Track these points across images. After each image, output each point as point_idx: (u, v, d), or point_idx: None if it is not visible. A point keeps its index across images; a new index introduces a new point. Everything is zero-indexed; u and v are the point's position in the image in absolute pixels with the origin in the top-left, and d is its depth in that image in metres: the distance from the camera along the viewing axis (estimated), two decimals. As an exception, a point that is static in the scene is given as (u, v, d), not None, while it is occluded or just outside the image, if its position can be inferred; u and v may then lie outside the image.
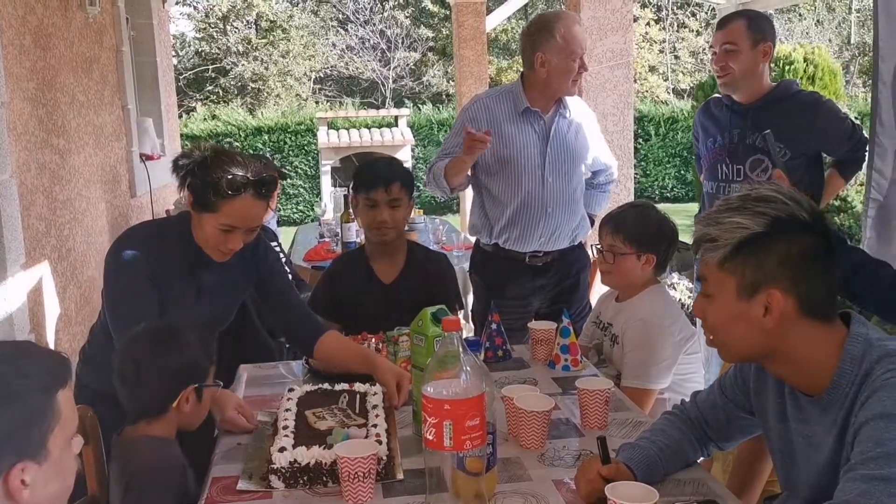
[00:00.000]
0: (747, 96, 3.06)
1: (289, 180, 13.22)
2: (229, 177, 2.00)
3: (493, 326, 2.47)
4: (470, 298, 4.27)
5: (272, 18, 20.72)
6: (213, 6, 20.53)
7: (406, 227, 5.28)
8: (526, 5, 8.10)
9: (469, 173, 3.12)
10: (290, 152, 13.51)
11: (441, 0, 19.55)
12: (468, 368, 1.44)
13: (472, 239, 3.51)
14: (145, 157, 5.31)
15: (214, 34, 20.88)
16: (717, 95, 3.23)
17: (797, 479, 1.53)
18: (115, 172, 4.79)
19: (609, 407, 1.96)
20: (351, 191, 2.89)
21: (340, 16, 21.83)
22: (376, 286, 2.75)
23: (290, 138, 13.52)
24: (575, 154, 3.14)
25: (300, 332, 2.33)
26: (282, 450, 1.69)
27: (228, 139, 13.50)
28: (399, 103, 19.79)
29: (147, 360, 1.77)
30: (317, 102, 19.71)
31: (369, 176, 2.70)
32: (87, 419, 1.93)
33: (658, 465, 1.65)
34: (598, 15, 3.58)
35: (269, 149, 13.54)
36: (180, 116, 16.90)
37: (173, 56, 21.89)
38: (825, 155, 3.15)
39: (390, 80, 21.17)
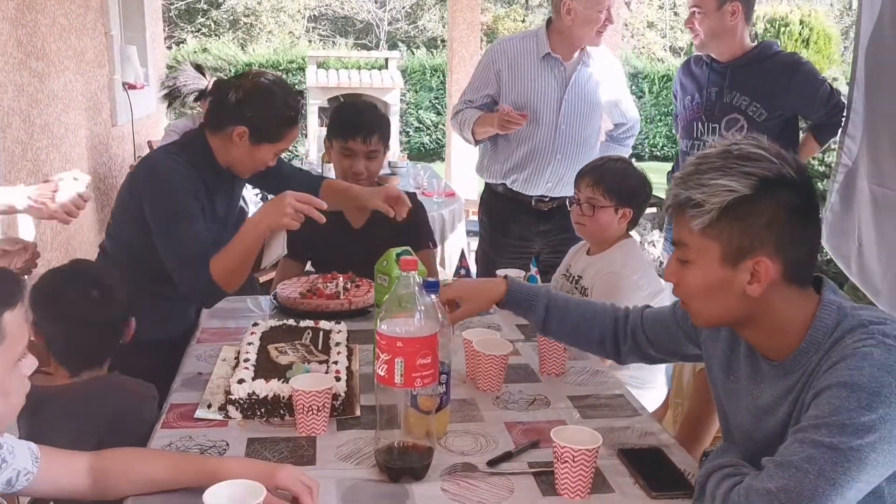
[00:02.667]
0: (725, 55, 3.08)
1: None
2: (292, 112, 2.16)
3: (462, 272, 2.49)
4: (458, 242, 4.31)
5: (267, -49, 20.27)
6: (208, -65, 20.05)
7: (389, 171, 5.27)
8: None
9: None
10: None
11: (441, -57, 19.16)
12: (422, 308, 1.45)
13: (455, 185, 3.54)
14: (128, 86, 5.24)
15: (208, -36, 20.43)
16: (697, 54, 3.22)
17: (737, 433, 1.54)
18: (97, 100, 4.73)
19: (567, 354, 2.00)
20: (325, 132, 2.87)
21: (337, -48, 21.39)
22: (346, 231, 2.72)
23: (283, 75, 13.35)
24: (593, 104, 3.16)
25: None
26: (241, 381, 1.71)
27: (219, 73, 13.33)
28: (393, 46, 19.53)
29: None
30: (309, 41, 19.39)
31: (349, 124, 2.64)
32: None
33: (539, 300, 1.77)
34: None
35: (259, 86, 13.38)
36: (169, 48, 16.67)
37: (165, -15, 21.33)
38: (802, 119, 3.18)
39: (385, 23, 20.85)
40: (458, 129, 3.28)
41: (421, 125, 13.48)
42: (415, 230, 2.72)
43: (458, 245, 4.46)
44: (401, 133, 11.59)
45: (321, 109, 8.11)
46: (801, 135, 3.22)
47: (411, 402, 1.52)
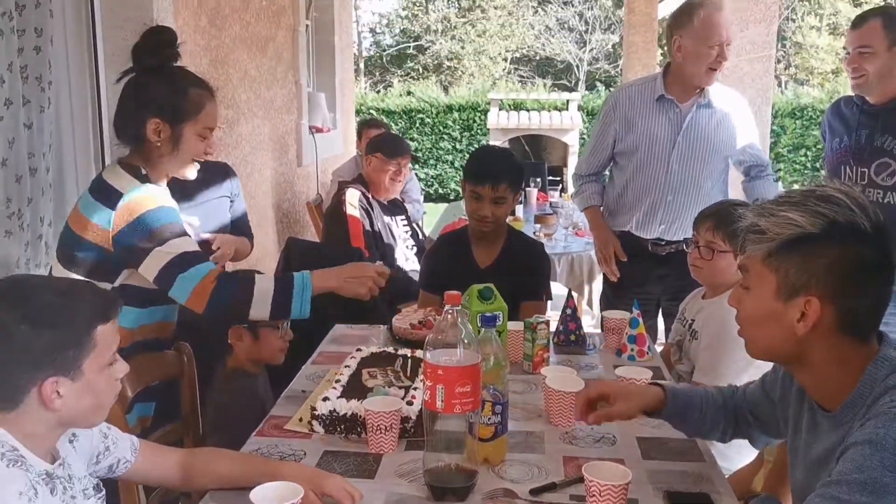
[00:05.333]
0: (880, 97, 2.91)
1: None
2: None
3: (569, 311, 2.55)
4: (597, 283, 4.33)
5: (473, -2, 21.17)
6: (418, -15, 21.28)
7: (549, 211, 5.35)
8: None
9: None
10: (479, 130, 13.82)
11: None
12: (465, 340, 1.57)
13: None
14: (315, 130, 5.75)
15: (418, 13, 21.66)
16: (848, 94, 3.08)
17: (795, 488, 1.52)
18: (283, 142, 5.24)
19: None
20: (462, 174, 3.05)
21: (541, -4, 21.90)
22: (473, 269, 2.83)
23: (479, 117, 13.83)
24: (712, 146, 3.12)
25: None
26: (325, 399, 1.90)
27: (421, 115, 14.06)
28: (591, 87, 19.63)
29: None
30: (507, 83, 19.96)
31: (480, 169, 2.76)
32: (185, 354, 2.25)
33: (693, 403, 1.72)
34: (739, 5, 3.48)
35: (458, 126, 13.97)
36: (378, 92, 17.80)
37: (380, 34, 22.77)
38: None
39: (585, 63, 21.01)
40: (575, 199, 3.48)
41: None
42: (534, 279, 2.83)
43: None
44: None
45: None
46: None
47: (469, 428, 1.64)
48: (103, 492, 1.51)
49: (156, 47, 2.06)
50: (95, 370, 1.38)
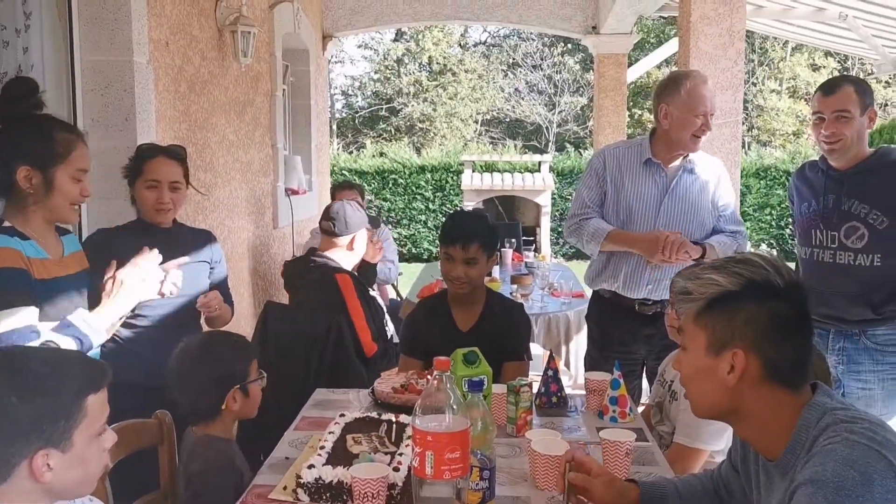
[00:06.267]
0: (845, 162, 2.99)
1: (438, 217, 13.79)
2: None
3: (550, 373, 2.57)
4: (583, 342, 4.35)
5: (443, 62, 21.58)
6: (390, 50, 21.66)
7: (525, 271, 5.38)
8: (668, 59, 8.07)
9: None
10: (451, 191, 14.00)
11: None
12: (454, 406, 1.58)
13: (584, 286, 3.61)
14: (291, 192, 5.78)
15: (390, 76, 22.03)
16: (813, 159, 3.18)
17: None
18: (260, 204, 5.27)
19: (630, 459, 2.02)
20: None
21: (510, 60, 22.39)
22: (453, 333, 2.85)
23: (452, 178, 14.03)
24: (696, 209, 3.20)
25: None
26: (310, 467, 1.88)
27: (394, 175, 14.22)
28: (561, 148, 19.97)
29: (188, 375, 2.06)
30: (477, 144, 20.26)
31: (450, 231, 2.81)
32: (165, 423, 2.23)
33: (669, 496, 1.75)
34: (708, 73, 3.60)
35: (431, 186, 14.13)
36: (351, 153, 17.96)
37: (352, 96, 23.03)
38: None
39: (554, 125, 21.41)
40: (576, 237, 3.30)
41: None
42: (514, 341, 2.85)
43: (583, 345, 4.50)
44: (552, 232, 11.73)
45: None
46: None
47: (456, 495, 1.64)
48: None
49: (18, 97, 2.06)
50: (86, 440, 1.37)
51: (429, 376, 2.62)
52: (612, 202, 3.24)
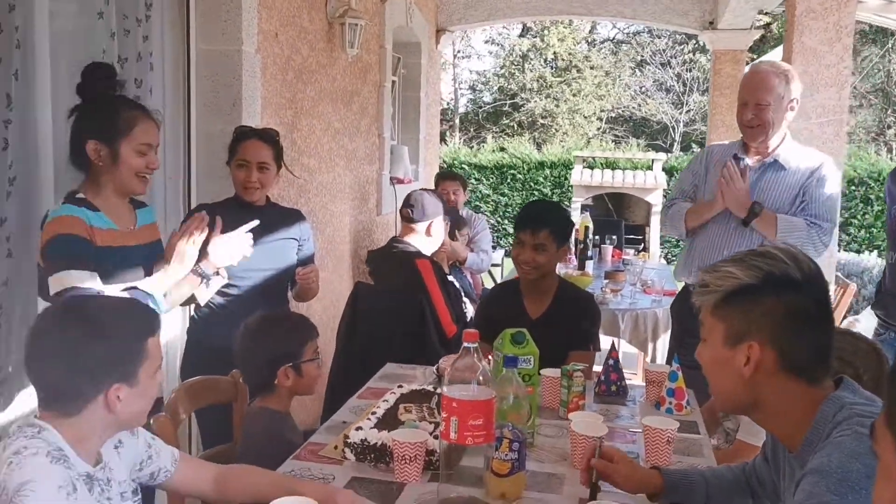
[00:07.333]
0: None
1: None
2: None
3: (611, 362, 2.60)
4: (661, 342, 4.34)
5: (568, 58, 21.42)
6: (515, 46, 21.70)
7: (621, 267, 5.37)
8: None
9: None
10: (570, 188, 13.89)
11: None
12: (481, 377, 1.66)
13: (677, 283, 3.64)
14: (396, 181, 5.97)
15: (514, 71, 22.06)
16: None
17: None
18: (364, 191, 5.47)
19: (671, 447, 2.04)
20: None
21: (638, 57, 21.98)
22: (523, 319, 2.88)
23: (570, 174, 13.87)
24: (778, 204, 3.14)
25: None
26: (358, 429, 2.02)
27: (512, 171, 14.27)
28: (686, 147, 19.46)
29: (246, 352, 2.23)
30: (602, 142, 20.00)
31: (523, 216, 2.91)
32: (239, 383, 2.41)
33: (696, 485, 1.77)
34: (810, 69, 3.50)
35: (549, 182, 14.09)
36: (471, 147, 18.13)
37: (479, 91, 23.21)
38: None
39: (681, 124, 20.87)
40: (668, 222, 3.42)
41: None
42: (583, 331, 2.89)
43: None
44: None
45: (584, 207, 8.46)
46: None
47: (486, 464, 1.73)
48: (139, 496, 1.66)
49: (95, 80, 2.25)
50: (148, 376, 1.55)
51: (489, 356, 2.72)
52: (700, 195, 3.31)
